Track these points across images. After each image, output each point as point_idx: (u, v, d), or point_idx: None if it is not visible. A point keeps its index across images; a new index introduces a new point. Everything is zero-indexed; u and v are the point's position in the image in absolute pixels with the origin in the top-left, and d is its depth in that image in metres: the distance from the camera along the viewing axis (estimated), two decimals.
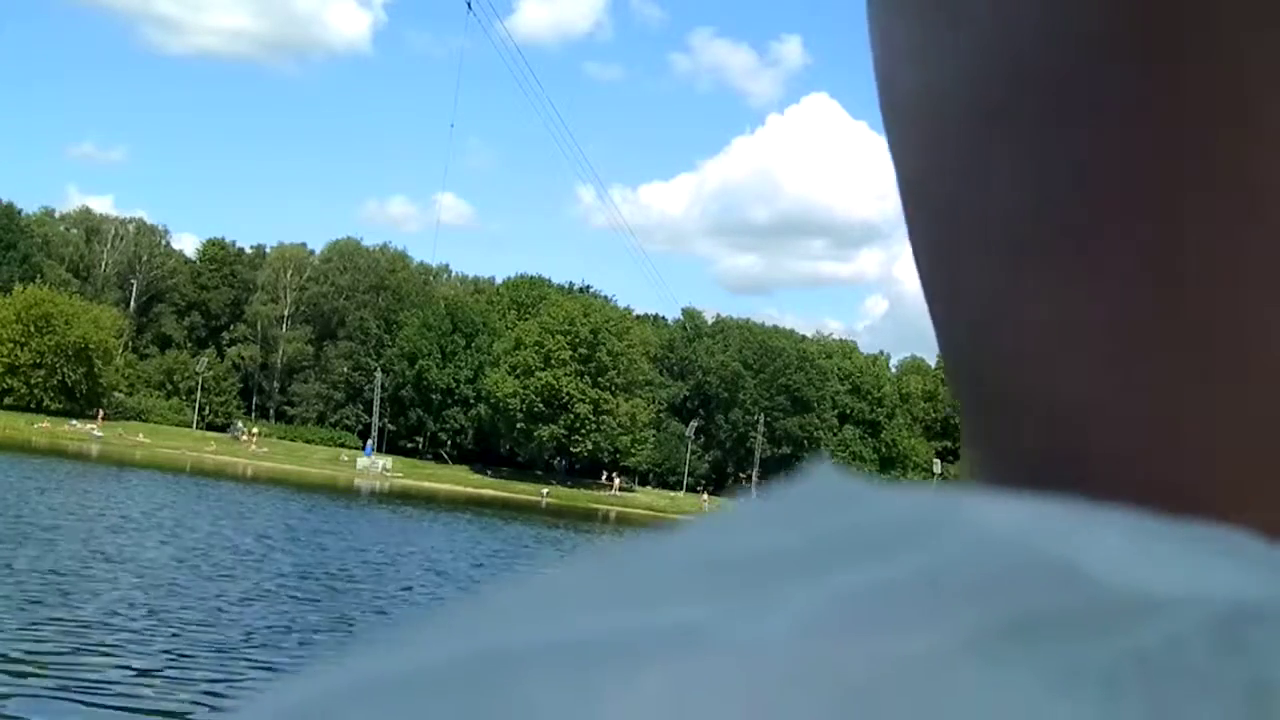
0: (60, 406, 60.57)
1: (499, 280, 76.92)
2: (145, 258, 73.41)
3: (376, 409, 68.06)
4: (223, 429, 68.75)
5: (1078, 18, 0.20)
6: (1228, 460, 0.20)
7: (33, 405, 60.08)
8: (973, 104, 0.22)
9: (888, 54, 0.25)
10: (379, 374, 67.58)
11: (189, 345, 72.94)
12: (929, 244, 0.25)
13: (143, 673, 8.84)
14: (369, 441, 67.43)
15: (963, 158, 0.23)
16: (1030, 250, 0.22)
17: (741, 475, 71.33)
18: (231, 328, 73.32)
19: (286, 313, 71.45)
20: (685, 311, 77.17)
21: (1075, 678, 0.12)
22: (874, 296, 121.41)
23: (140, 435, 60.59)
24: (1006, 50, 0.22)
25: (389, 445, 70.97)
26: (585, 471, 69.74)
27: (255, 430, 67.84)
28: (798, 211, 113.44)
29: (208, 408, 70.18)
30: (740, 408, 71.74)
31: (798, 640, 0.12)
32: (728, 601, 0.13)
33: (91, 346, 59.93)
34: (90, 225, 74.04)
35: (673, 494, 68.81)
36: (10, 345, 59.01)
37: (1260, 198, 0.19)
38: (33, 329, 58.97)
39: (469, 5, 58.89)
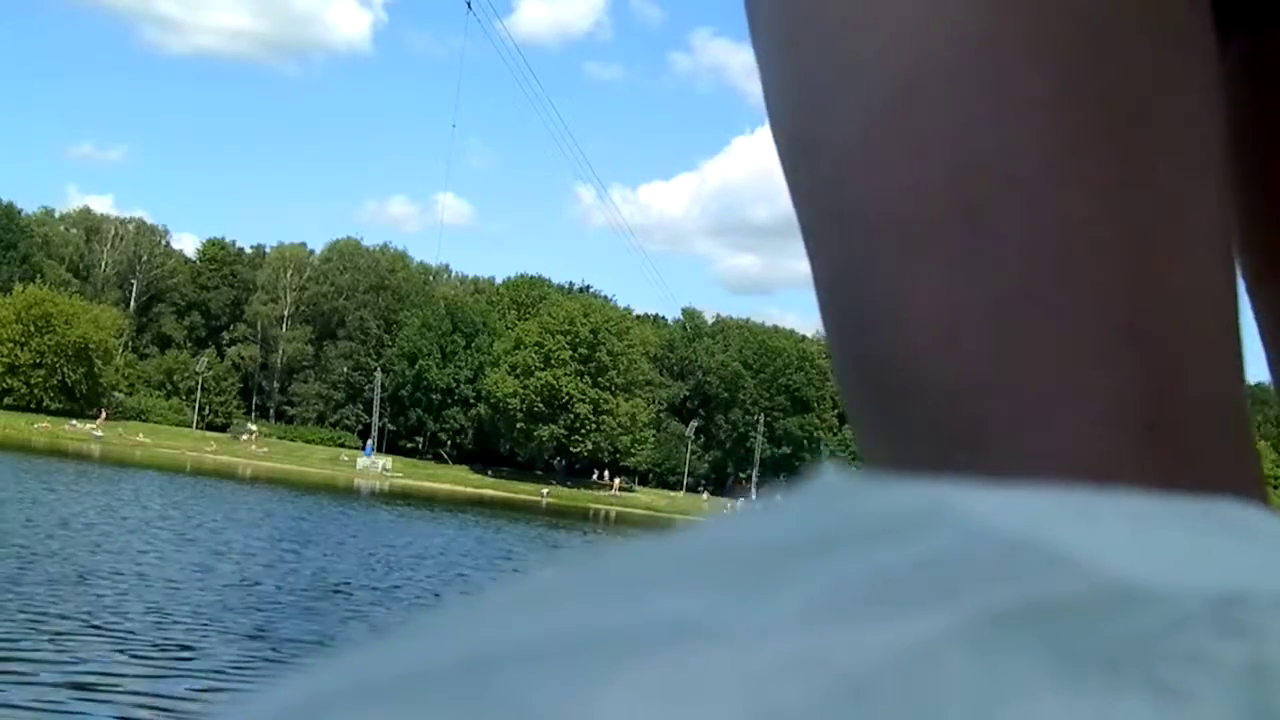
0: (60, 406, 60.55)
1: (499, 280, 77.01)
2: (145, 258, 73.40)
3: (376, 409, 68.04)
4: (223, 429, 68.74)
5: (970, 22, 0.21)
6: (1121, 434, 0.20)
7: (33, 405, 60.05)
8: (861, 110, 0.23)
9: (783, 79, 0.26)
10: (379, 374, 67.57)
11: (189, 345, 72.93)
12: (825, 244, 0.26)
13: (147, 672, 8.85)
14: (369, 441, 67.41)
15: (850, 162, 0.24)
16: (919, 240, 0.23)
17: (741, 475, 71.34)
18: (231, 328, 73.31)
19: (286, 313, 71.43)
20: (685, 311, 77.22)
21: (1075, 663, 0.12)
22: None
23: (140, 435, 60.60)
24: (901, 59, 0.23)
25: (389, 445, 70.95)
26: (585, 471, 69.73)
27: (255, 429, 67.93)
28: None
29: (208, 408, 70.16)
30: (740, 408, 71.73)
31: (792, 630, 0.12)
32: (721, 594, 0.13)
33: (91, 346, 59.92)
34: (90, 225, 74.03)
35: (673, 494, 68.81)
36: (10, 345, 58.99)
37: (1147, 179, 0.20)
38: (33, 329, 58.94)
39: (469, 5, 58.96)
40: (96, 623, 10.44)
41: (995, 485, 0.15)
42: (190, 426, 67.52)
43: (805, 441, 70.73)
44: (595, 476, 68.95)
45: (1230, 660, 0.12)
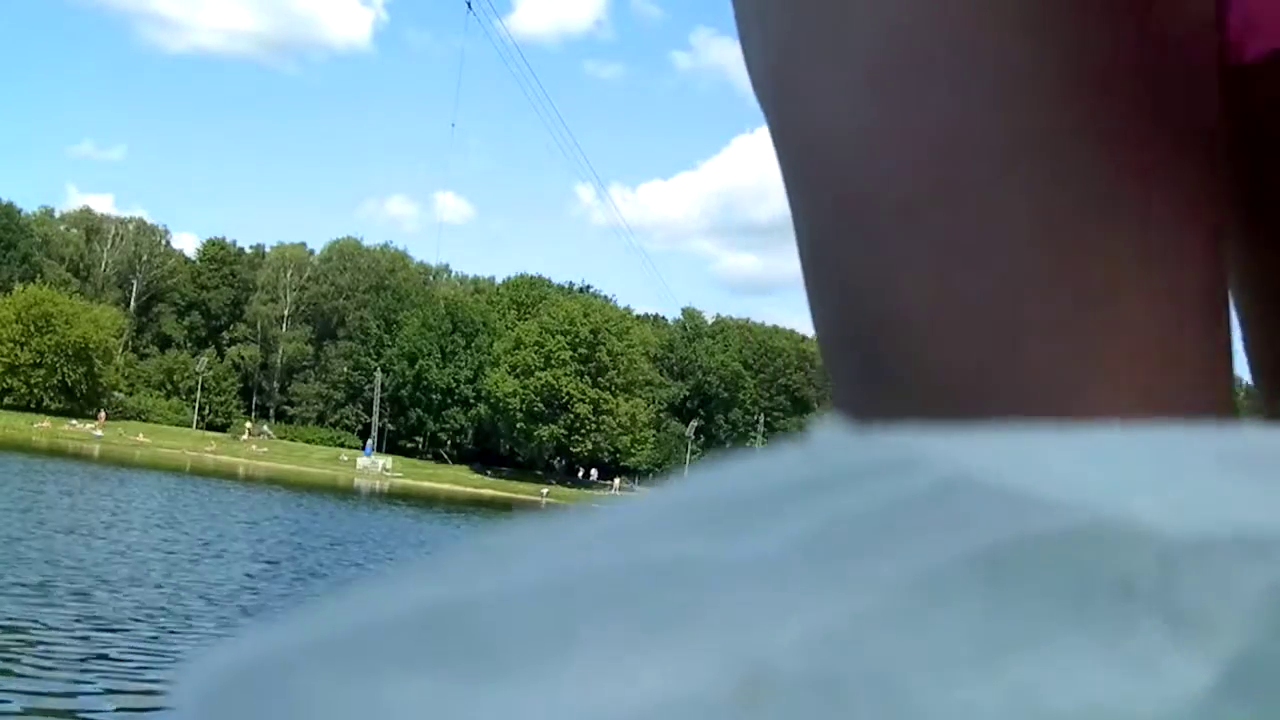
0: (60, 406, 60.56)
1: (499, 280, 77.01)
2: (145, 258, 73.40)
3: (376, 409, 68.07)
4: (223, 429, 68.79)
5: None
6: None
7: (33, 405, 60.06)
8: (865, 80, 0.22)
9: (775, 45, 0.26)
10: (379, 374, 67.59)
11: (189, 345, 72.94)
12: (817, 221, 0.25)
13: (151, 675, 8.88)
14: (369, 441, 67.46)
15: (852, 135, 0.23)
16: (918, 223, 0.22)
17: None
18: (231, 328, 73.32)
19: (286, 313, 71.45)
20: (685, 311, 77.24)
21: (1089, 596, 0.11)
22: None
23: (140, 435, 60.58)
24: (890, 28, 0.22)
25: (389, 445, 70.97)
26: (584, 472, 69.79)
27: (269, 430, 68.08)
28: None
29: (208, 408, 70.17)
30: (740, 408, 71.81)
31: (782, 571, 0.12)
32: (708, 537, 0.13)
33: (91, 346, 59.92)
34: (90, 225, 74.02)
35: None
36: (10, 345, 58.98)
37: (1143, 179, 0.19)
38: (33, 329, 58.94)
39: (469, 4, 58.95)
40: (107, 621, 10.47)
41: (998, 429, 0.15)
42: (190, 426, 67.53)
43: None
44: (581, 475, 68.93)
45: (1249, 586, 0.12)
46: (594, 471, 68.33)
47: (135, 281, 73.07)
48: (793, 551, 0.12)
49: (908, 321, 0.22)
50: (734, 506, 0.14)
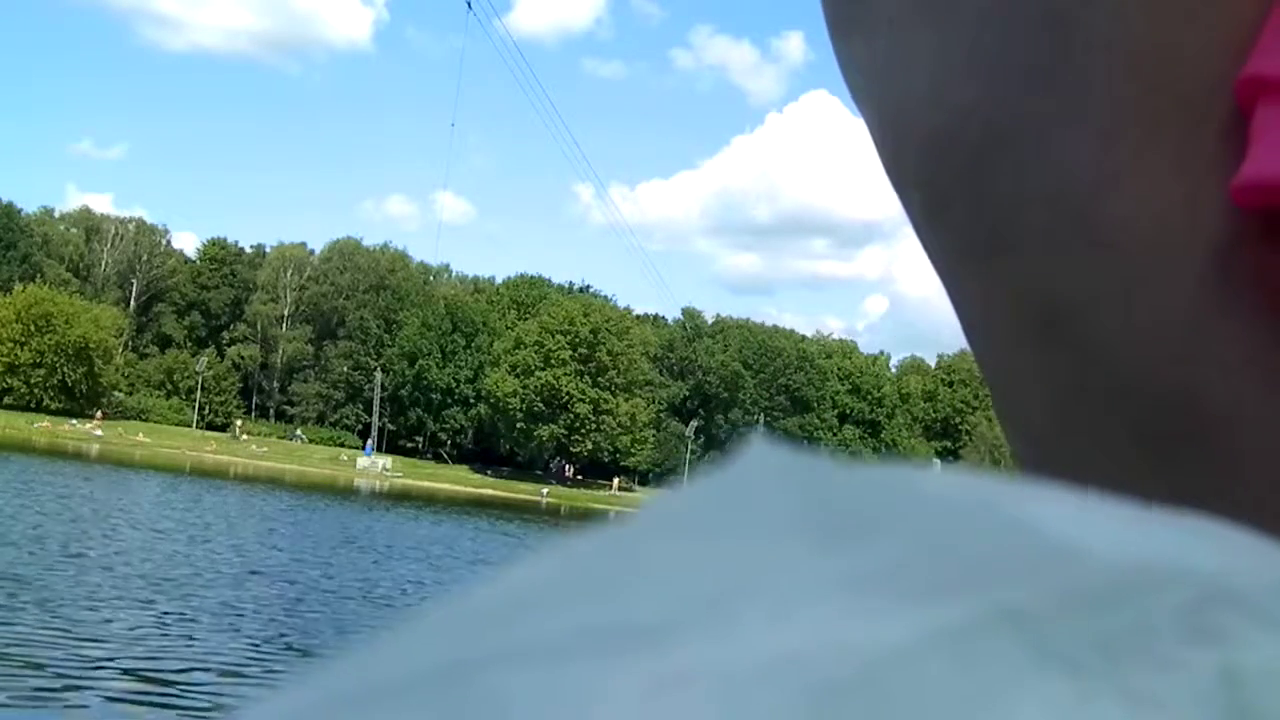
0: (60, 406, 60.59)
1: (499, 280, 77.03)
2: (145, 257, 73.43)
3: (376, 409, 68.10)
4: (223, 429, 68.83)
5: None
6: None
7: (33, 405, 60.09)
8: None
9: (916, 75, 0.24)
10: (379, 374, 67.63)
11: (189, 345, 72.98)
12: (1055, 260, 0.23)
13: (153, 676, 8.86)
14: (369, 441, 67.51)
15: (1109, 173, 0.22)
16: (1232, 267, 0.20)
17: None
18: (231, 327, 73.34)
19: (286, 312, 71.46)
20: (685, 311, 77.22)
21: (1050, 668, 0.12)
22: (874, 296, 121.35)
23: (140, 435, 60.59)
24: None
25: (389, 445, 71.02)
26: (582, 471, 69.81)
27: (302, 435, 68.14)
28: (798, 210, 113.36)
29: (207, 407, 70.21)
30: (740, 408, 71.83)
31: (769, 633, 0.12)
32: (698, 594, 0.13)
33: (91, 346, 59.95)
34: (90, 225, 74.02)
35: None
36: (10, 345, 59.03)
37: None
38: (33, 328, 58.97)
39: (469, 4, 58.94)
40: (104, 621, 10.46)
41: (969, 477, 0.15)
42: (190, 426, 67.55)
43: (805, 441, 70.77)
44: (580, 475, 68.91)
45: (1201, 667, 0.12)
46: (575, 470, 68.27)
47: (135, 281, 73.09)
48: (780, 611, 0.12)
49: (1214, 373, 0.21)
50: (723, 557, 0.14)
